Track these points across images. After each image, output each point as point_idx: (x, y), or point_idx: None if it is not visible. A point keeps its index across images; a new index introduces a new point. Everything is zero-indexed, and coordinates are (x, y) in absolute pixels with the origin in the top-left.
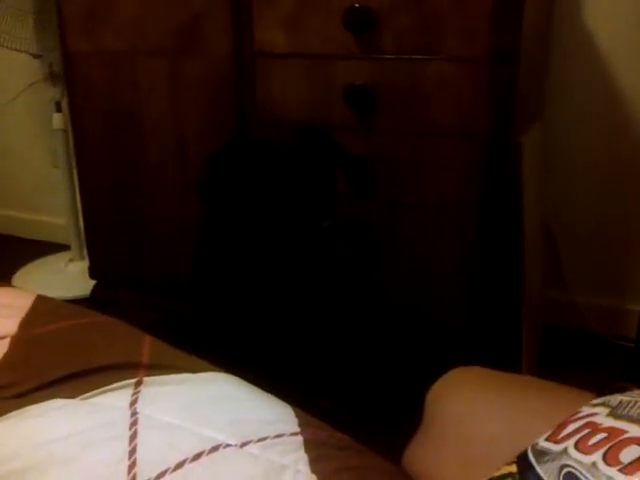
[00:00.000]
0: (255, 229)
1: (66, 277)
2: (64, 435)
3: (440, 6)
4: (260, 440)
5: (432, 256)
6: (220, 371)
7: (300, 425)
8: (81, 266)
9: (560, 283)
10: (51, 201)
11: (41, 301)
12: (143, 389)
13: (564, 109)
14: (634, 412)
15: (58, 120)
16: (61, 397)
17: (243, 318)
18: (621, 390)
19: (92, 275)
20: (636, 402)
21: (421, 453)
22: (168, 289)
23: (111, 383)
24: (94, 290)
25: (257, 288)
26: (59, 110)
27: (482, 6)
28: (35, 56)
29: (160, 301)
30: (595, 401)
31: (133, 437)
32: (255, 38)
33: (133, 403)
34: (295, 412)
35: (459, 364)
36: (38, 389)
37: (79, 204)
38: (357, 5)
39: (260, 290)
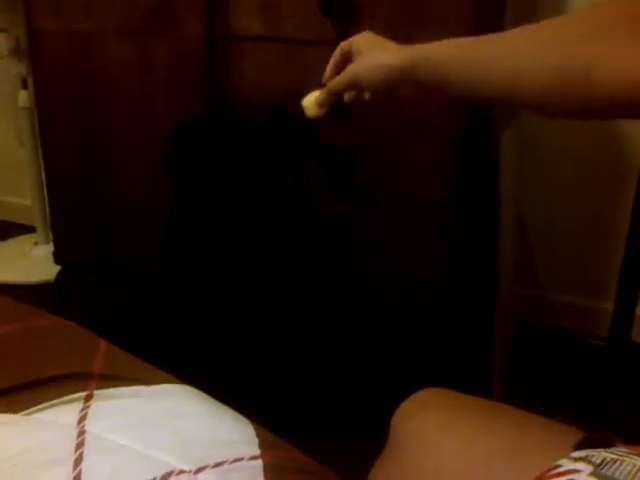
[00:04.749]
0: (222, 209)
1: (31, 261)
2: (2, 457)
3: None
4: (217, 465)
5: (407, 251)
6: (175, 382)
7: (260, 446)
8: (46, 250)
9: (533, 280)
10: (17, 181)
11: None
12: (93, 404)
13: None
14: (619, 474)
15: (24, 97)
16: (1, 412)
17: (208, 307)
18: (604, 444)
19: (57, 260)
20: (622, 461)
21: (385, 478)
22: (134, 275)
23: (59, 397)
24: (59, 276)
25: (224, 274)
26: (25, 87)
27: None
28: (0, 30)
29: (125, 287)
30: (576, 454)
31: (78, 461)
32: (229, 22)
33: (81, 420)
34: (255, 430)
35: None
36: None
37: (45, 185)
38: None
39: (227, 277)
